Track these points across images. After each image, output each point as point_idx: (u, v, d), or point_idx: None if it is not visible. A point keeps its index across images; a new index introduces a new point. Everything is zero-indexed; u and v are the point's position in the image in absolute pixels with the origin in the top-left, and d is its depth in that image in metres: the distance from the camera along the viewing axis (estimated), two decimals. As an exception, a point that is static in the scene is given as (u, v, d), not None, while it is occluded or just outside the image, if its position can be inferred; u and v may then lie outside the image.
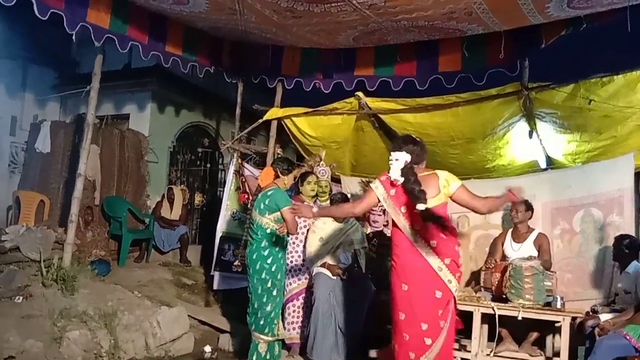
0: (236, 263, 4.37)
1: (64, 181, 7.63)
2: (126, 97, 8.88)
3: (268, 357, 4.39)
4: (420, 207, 3.29)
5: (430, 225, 3.39)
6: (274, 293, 4.41)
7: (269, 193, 4.41)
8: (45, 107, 9.23)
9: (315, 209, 4.92)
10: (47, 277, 5.07)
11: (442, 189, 3.47)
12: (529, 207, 5.14)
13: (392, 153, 3.55)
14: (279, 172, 4.50)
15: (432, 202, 3.38)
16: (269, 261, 4.36)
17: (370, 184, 3.70)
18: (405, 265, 3.44)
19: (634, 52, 5.42)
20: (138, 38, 5.63)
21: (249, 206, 4.48)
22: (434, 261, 3.39)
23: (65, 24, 4.91)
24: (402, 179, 3.44)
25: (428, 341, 3.34)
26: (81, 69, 8.99)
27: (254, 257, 4.38)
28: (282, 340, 4.74)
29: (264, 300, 4.36)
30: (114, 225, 7.43)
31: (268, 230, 4.36)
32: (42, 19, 4.69)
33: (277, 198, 4.36)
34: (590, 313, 4.56)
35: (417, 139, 3.66)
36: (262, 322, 4.36)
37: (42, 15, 4.69)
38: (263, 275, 4.35)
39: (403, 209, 3.48)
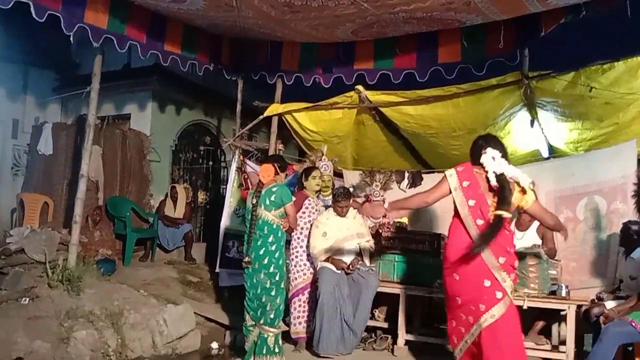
0: (247, 259, 4.38)
1: (67, 182, 7.66)
2: (127, 97, 8.88)
3: (277, 350, 4.43)
4: (503, 213, 3.40)
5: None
6: (282, 286, 4.51)
7: (274, 189, 4.48)
8: (46, 110, 9.24)
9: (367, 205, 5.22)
10: (53, 278, 5.10)
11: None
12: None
13: (488, 149, 3.58)
14: (277, 169, 4.54)
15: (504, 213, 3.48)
16: (276, 255, 4.46)
17: (445, 172, 3.68)
18: (458, 256, 3.49)
19: (634, 38, 5.38)
20: (136, 37, 5.63)
21: (252, 202, 4.47)
22: (490, 258, 3.45)
23: (62, 25, 4.92)
24: (496, 180, 3.49)
25: (471, 319, 3.51)
26: (81, 70, 8.98)
27: (261, 252, 4.42)
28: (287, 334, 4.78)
29: (273, 293, 4.43)
30: (118, 225, 7.46)
31: (274, 226, 4.45)
32: (39, 21, 4.70)
33: (283, 194, 4.47)
34: (596, 300, 4.56)
35: (501, 141, 3.77)
36: (272, 316, 4.42)
37: (40, 17, 4.69)
38: (272, 270, 4.43)
39: (471, 202, 3.53)
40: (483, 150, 3.60)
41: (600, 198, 5.43)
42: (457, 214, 3.61)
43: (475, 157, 3.65)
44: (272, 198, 4.45)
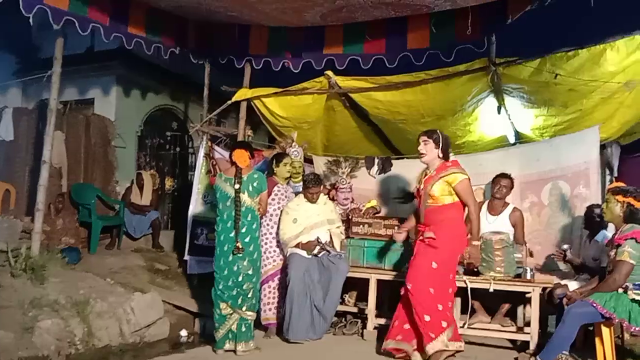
0: (239, 246, 4.35)
1: (29, 169, 7.45)
2: (90, 81, 8.67)
3: (253, 335, 4.53)
4: None
5: None
6: (260, 271, 4.68)
7: (255, 175, 4.54)
8: (6, 94, 8.97)
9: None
10: (16, 267, 4.96)
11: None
12: (512, 185, 5.23)
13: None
14: (250, 154, 4.54)
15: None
16: (259, 242, 4.59)
17: (467, 174, 4.23)
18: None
19: (598, 26, 5.49)
20: (99, 20, 5.46)
21: (234, 188, 4.41)
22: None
23: (21, 6, 4.73)
24: None
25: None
26: (42, 53, 8.70)
27: (248, 239, 4.45)
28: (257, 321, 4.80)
29: (254, 280, 4.51)
30: (83, 212, 7.29)
31: (256, 213, 4.53)
32: (-3, 1, 4.52)
33: (263, 181, 4.57)
34: (557, 250, 4.85)
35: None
36: (254, 301, 4.52)
37: (-3, -2, 4.51)
38: (255, 256, 4.52)
39: None
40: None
41: (564, 183, 5.56)
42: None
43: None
44: (255, 184, 4.47)
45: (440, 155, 4.23)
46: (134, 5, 5.72)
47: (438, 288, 4.08)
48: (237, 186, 4.41)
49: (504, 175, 5.26)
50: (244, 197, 4.44)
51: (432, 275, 4.08)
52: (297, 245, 4.99)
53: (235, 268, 4.42)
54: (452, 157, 4.32)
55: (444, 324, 4.03)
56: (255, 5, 5.35)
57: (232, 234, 4.41)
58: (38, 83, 7.24)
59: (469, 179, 4.19)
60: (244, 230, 4.43)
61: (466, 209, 4.20)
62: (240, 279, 4.42)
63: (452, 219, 4.17)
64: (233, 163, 4.51)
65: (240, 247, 4.37)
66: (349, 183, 5.83)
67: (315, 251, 4.98)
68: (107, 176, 8.12)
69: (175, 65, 8.44)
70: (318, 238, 5.02)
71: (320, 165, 6.75)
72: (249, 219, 4.46)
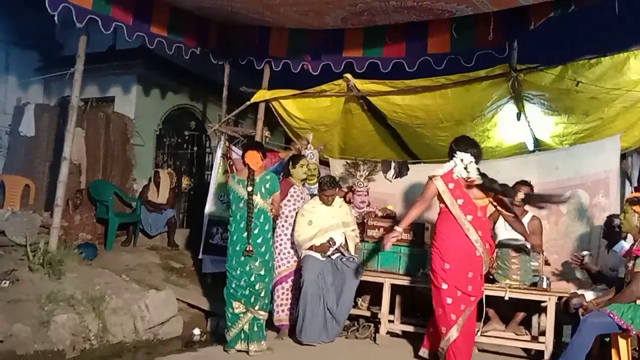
0: (249, 249, 4.37)
1: (49, 165, 7.55)
2: (111, 79, 8.77)
3: (266, 334, 4.59)
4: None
5: (480, 219, 4.10)
6: (272, 272, 4.73)
7: (267, 177, 4.55)
8: (28, 90, 9.10)
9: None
10: (34, 262, 5.03)
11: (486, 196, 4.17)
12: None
13: (458, 152, 4.15)
14: (262, 156, 4.55)
15: (479, 202, 4.13)
16: (271, 243, 4.60)
17: (432, 178, 4.21)
18: (451, 247, 4.07)
19: (621, 34, 5.42)
20: (122, 19, 5.54)
21: (247, 190, 4.43)
22: (480, 246, 4.06)
23: (47, 4, 4.82)
24: (479, 178, 4.08)
25: (462, 307, 4.06)
26: (65, 51, 8.85)
27: (260, 240, 4.47)
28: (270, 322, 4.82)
29: (266, 280, 4.55)
30: (100, 209, 7.37)
31: (269, 214, 4.54)
32: (23, -1, 4.60)
33: (276, 182, 4.59)
34: (576, 255, 4.79)
35: (477, 142, 4.32)
36: (266, 301, 4.56)
37: (23, -4, 4.59)
38: (267, 257, 4.54)
39: (460, 202, 4.08)
40: (453, 154, 4.18)
41: (583, 192, 5.48)
42: (446, 212, 4.14)
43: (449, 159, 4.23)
44: (267, 186, 4.49)
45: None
46: (157, 5, 5.79)
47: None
48: (249, 188, 4.42)
49: (524, 183, 5.18)
50: (257, 198, 4.45)
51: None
52: (311, 248, 4.99)
53: (247, 268, 4.44)
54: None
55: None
56: (277, 7, 5.37)
57: (245, 235, 4.42)
58: (60, 80, 7.35)
59: (431, 178, 4.22)
60: (256, 231, 4.45)
61: (450, 212, 4.14)
62: (252, 279, 4.44)
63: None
64: (245, 164, 4.53)
65: (251, 249, 4.38)
66: (366, 186, 5.81)
67: (329, 252, 4.97)
68: (125, 174, 8.21)
69: (195, 66, 8.51)
70: (331, 238, 5.01)
71: (337, 167, 6.73)
72: (261, 220, 4.48)
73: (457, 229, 4.05)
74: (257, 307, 4.46)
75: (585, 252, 4.81)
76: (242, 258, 4.43)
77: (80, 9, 5.10)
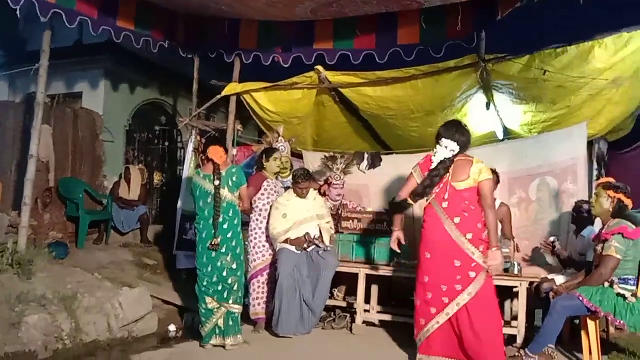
0: (215, 242, 4.33)
1: (16, 163, 7.36)
2: (78, 75, 8.58)
3: (242, 328, 4.58)
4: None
5: (457, 205, 3.85)
6: (244, 265, 4.67)
7: (234, 170, 4.53)
8: (-8, 88, 8.86)
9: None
10: (2, 262, 4.90)
11: (472, 176, 3.87)
12: (498, 181, 5.26)
13: (443, 139, 3.93)
14: (224, 150, 4.55)
15: (461, 185, 3.87)
16: (241, 237, 4.55)
17: (412, 169, 4.08)
18: (432, 238, 3.91)
19: (586, 23, 5.52)
20: (87, 13, 5.41)
21: (213, 184, 4.40)
22: (456, 235, 3.82)
23: (8, -2, 4.69)
24: (433, 166, 3.92)
25: (445, 300, 3.84)
26: (29, 46, 8.60)
27: (230, 235, 4.44)
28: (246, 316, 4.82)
29: (239, 273, 4.53)
30: (71, 207, 7.24)
31: (237, 208, 4.51)
32: (-17, -8, 4.47)
33: (242, 176, 4.54)
34: (545, 242, 4.84)
35: (467, 129, 4.07)
36: (240, 294, 4.52)
37: (-17, -11, 4.46)
38: (238, 251, 4.53)
39: (436, 189, 3.92)
40: (439, 140, 3.96)
41: (551, 179, 5.61)
42: (428, 201, 3.97)
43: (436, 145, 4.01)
44: (234, 179, 4.46)
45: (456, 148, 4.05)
46: (124, -2, 5.68)
47: None
48: (217, 182, 4.39)
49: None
50: (225, 192, 4.43)
51: None
52: (286, 241, 4.99)
53: (219, 264, 4.42)
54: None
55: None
56: (246, -1, 5.33)
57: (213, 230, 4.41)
58: (25, 76, 7.15)
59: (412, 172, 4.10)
60: (225, 226, 4.42)
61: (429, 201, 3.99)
62: (224, 274, 4.43)
63: None
64: (209, 160, 4.50)
65: (215, 243, 4.35)
66: (342, 180, 5.83)
67: (305, 245, 4.98)
68: (95, 171, 8.06)
69: (164, 60, 8.36)
70: (307, 233, 5.02)
71: (311, 160, 6.73)
72: (230, 214, 4.45)
73: (436, 218, 3.89)
74: (230, 302, 4.45)
75: (552, 238, 4.92)
76: (213, 254, 4.41)
77: (43, 3, 4.97)
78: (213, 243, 4.36)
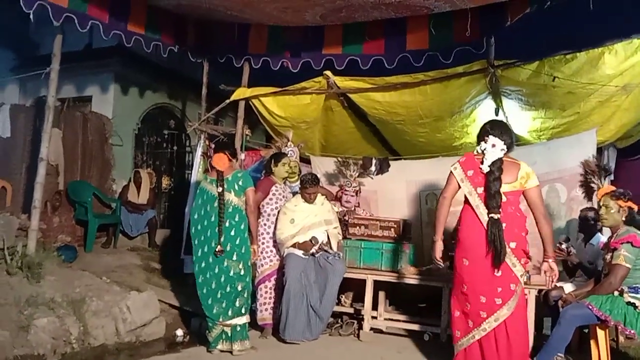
0: (219, 249, 4.34)
1: (26, 166, 7.41)
2: (88, 78, 8.64)
3: (249, 334, 4.56)
4: (493, 216, 3.53)
5: (503, 210, 3.55)
6: (251, 271, 4.61)
7: (239, 174, 4.51)
8: (3, 91, 8.94)
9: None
10: (12, 265, 4.94)
11: (519, 179, 3.64)
12: None
13: (490, 137, 3.66)
14: (229, 156, 4.53)
15: (505, 187, 3.59)
16: (249, 243, 4.50)
17: (451, 167, 3.78)
18: (470, 242, 3.63)
19: (596, 29, 5.51)
20: (98, 17, 5.45)
21: (217, 190, 4.41)
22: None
23: (21, 3, 4.72)
24: (487, 169, 3.60)
25: (483, 314, 3.58)
26: (40, 50, 8.70)
27: (238, 241, 4.42)
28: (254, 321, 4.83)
29: (247, 280, 4.50)
30: (79, 210, 7.27)
31: (244, 212, 4.48)
32: (-4, -3, 4.51)
33: (248, 179, 4.52)
34: (559, 248, 4.70)
35: (512, 130, 3.85)
36: (249, 300, 4.52)
37: (-3, -6, 4.50)
38: (247, 256, 4.48)
39: (479, 190, 3.63)
40: (485, 137, 3.70)
41: (561, 185, 5.57)
42: (467, 201, 3.70)
43: (478, 142, 3.77)
44: (240, 183, 4.46)
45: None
46: (134, 3, 5.72)
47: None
48: (219, 189, 4.40)
49: None
50: (231, 196, 4.43)
51: None
52: (294, 245, 4.99)
53: (216, 270, 4.43)
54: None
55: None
56: (256, 4, 5.35)
57: (223, 237, 4.39)
58: (36, 80, 7.21)
59: (451, 171, 3.78)
60: (232, 232, 4.41)
61: (469, 203, 3.69)
62: (222, 280, 4.41)
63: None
64: (213, 168, 4.52)
65: (220, 249, 4.35)
66: (354, 187, 5.83)
67: (312, 250, 4.98)
68: (103, 174, 8.11)
69: (174, 64, 8.43)
70: (314, 237, 5.01)
71: (318, 165, 6.74)
72: (236, 219, 4.44)
73: (476, 222, 3.60)
74: (242, 311, 4.45)
75: (564, 245, 4.84)
76: (211, 259, 4.40)
77: (56, 7, 5.01)
78: (217, 250, 4.35)
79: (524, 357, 3.69)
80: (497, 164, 3.60)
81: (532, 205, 3.67)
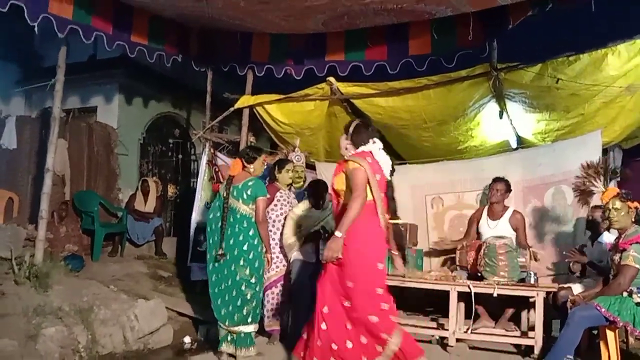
0: (220, 252, 4.34)
1: (32, 177, 7.46)
2: (93, 89, 8.71)
3: (255, 340, 4.51)
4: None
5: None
6: (262, 279, 4.57)
7: (249, 183, 4.47)
8: (9, 103, 9.01)
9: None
10: (20, 275, 4.97)
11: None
12: (508, 189, 5.23)
13: (376, 140, 3.66)
14: (244, 162, 4.53)
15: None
16: (259, 249, 4.47)
17: (359, 162, 3.54)
18: (380, 245, 3.64)
19: (599, 31, 5.51)
20: (102, 28, 5.50)
21: (223, 195, 4.44)
22: None
23: (26, 15, 4.76)
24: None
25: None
26: (45, 62, 8.76)
27: (245, 247, 4.40)
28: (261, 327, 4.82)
29: (257, 288, 4.46)
30: (86, 220, 7.31)
31: (253, 219, 4.45)
32: (1, 10, 4.55)
33: (258, 187, 4.47)
34: (572, 249, 4.70)
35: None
36: (258, 310, 4.48)
37: (2, 7, 4.55)
38: (257, 264, 4.44)
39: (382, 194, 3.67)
40: (372, 140, 3.67)
41: (566, 187, 5.55)
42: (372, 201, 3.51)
43: (363, 143, 3.65)
44: (249, 192, 4.44)
45: (349, 146, 3.65)
46: (137, 13, 5.77)
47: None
48: (225, 193, 4.43)
49: (498, 180, 5.29)
50: (238, 204, 4.43)
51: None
52: (300, 250, 4.98)
53: (218, 276, 4.43)
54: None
55: None
56: (258, 13, 5.38)
57: (231, 242, 4.40)
58: (41, 91, 7.29)
59: (365, 170, 3.46)
60: (241, 237, 4.40)
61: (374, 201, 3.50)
62: (229, 283, 4.40)
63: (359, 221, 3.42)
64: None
65: (220, 252, 4.35)
66: None
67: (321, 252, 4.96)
68: (109, 184, 8.15)
69: (178, 73, 8.48)
70: (322, 227, 4.98)
71: (323, 171, 6.75)
72: (244, 225, 4.43)
73: (376, 219, 3.50)
74: (249, 320, 4.42)
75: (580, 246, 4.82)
76: (233, 267, 4.39)
77: (60, 19, 5.06)
78: (219, 253, 4.37)
79: None
80: None
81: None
